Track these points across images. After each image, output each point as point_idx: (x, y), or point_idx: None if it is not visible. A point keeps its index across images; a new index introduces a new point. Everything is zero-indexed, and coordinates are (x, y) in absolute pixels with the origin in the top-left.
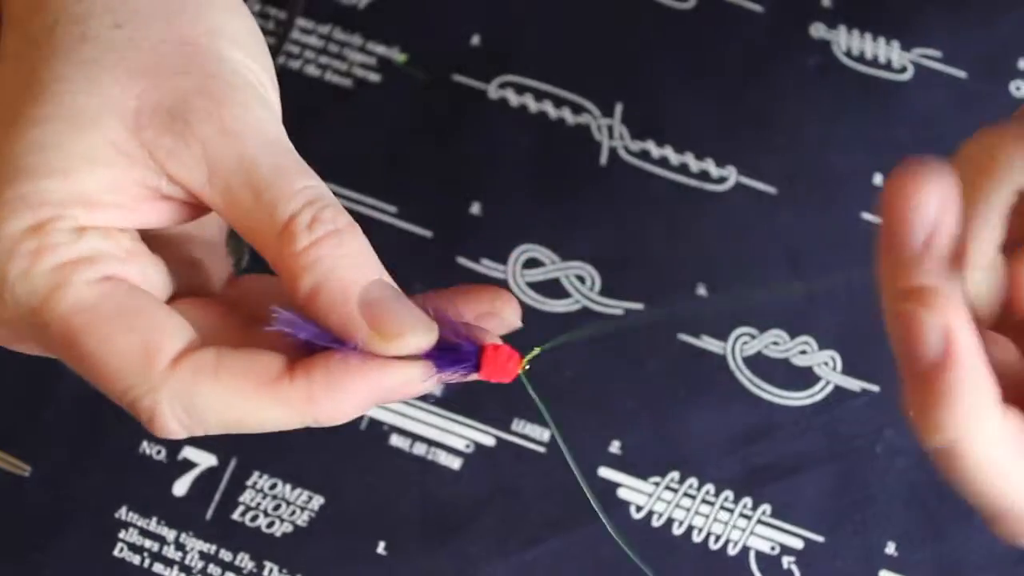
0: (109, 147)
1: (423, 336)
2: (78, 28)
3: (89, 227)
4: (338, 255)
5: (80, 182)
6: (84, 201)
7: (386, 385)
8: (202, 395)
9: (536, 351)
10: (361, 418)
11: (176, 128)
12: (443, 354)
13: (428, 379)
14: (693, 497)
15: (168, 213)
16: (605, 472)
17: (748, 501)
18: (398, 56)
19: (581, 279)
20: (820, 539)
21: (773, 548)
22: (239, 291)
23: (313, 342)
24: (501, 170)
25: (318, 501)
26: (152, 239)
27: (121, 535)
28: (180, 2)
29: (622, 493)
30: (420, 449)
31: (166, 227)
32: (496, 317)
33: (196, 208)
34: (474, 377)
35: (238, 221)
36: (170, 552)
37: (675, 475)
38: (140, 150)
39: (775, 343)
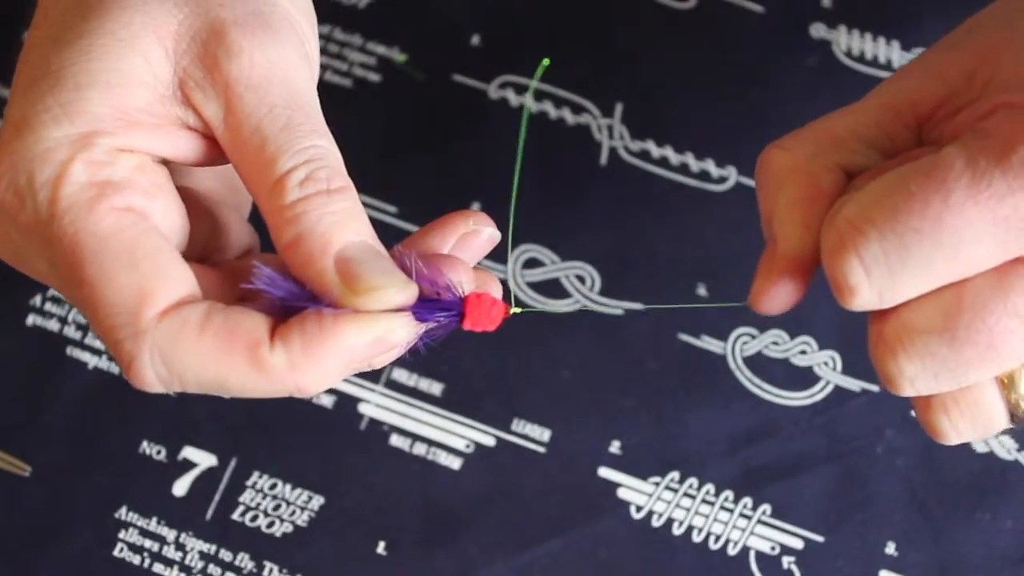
0: (147, 68)
1: (398, 290)
2: None
3: (125, 149)
4: (323, 212)
5: (120, 96)
6: (123, 117)
7: (364, 341)
8: (183, 350)
9: (517, 310)
10: (361, 418)
11: (207, 61)
12: (426, 305)
13: (409, 331)
14: (693, 497)
15: (193, 145)
16: (605, 472)
17: (748, 501)
18: (398, 56)
19: (581, 279)
20: (820, 539)
21: (773, 548)
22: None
23: (289, 301)
24: (501, 170)
25: (318, 501)
26: (184, 193)
27: (121, 535)
28: None
29: (622, 493)
30: (420, 449)
31: (193, 161)
32: (477, 234)
33: (214, 151)
34: (458, 327)
35: (240, 165)
36: (170, 552)
37: (675, 475)
38: (172, 76)
39: (775, 343)
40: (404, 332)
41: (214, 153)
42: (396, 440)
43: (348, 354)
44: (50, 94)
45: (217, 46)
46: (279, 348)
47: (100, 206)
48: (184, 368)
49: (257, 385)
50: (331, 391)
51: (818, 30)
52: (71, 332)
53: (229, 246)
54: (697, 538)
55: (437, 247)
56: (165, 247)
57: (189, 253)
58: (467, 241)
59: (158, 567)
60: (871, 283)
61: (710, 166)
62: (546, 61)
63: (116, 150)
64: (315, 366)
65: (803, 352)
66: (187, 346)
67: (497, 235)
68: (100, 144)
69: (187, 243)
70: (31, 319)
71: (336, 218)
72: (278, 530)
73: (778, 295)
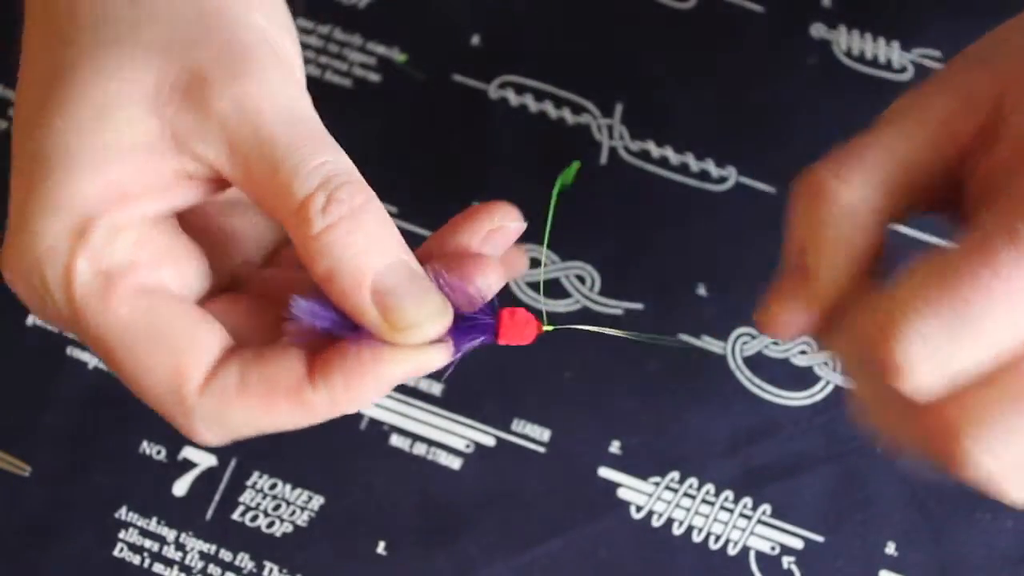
0: (133, 132)
1: (436, 324)
2: (97, 11)
3: (124, 226)
4: (351, 241)
5: (110, 174)
6: (116, 194)
7: (403, 372)
8: (230, 414)
9: (549, 328)
10: (361, 418)
11: (194, 105)
12: (461, 326)
13: (446, 358)
14: (693, 497)
15: (197, 190)
16: (605, 472)
17: (748, 501)
18: (398, 56)
19: (581, 279)
20: (820, 539)
21: (773, 548)
22: (273, 275)
23: (331, 331)
24: (501, 170)
25: (318, 501)
26: (192, 220)
27: (121, 535)
28: None
29: (622, 493)
30: (420, 449)
31: (199, 202)
32: (503, 230)
33: (223, 182)
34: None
35: (258, 198)
36: (170, 552)
37: (675, 475)
38: (163, 130)
39: (775, 343)
40: (441, 359)
41: (219, 189)
42: (396, 440)
43: (387, 384)
44: (42, 184)
45: (200, 89)
46: (321, 387)
47: (112, 297)
48: (237, 425)
49: (305, 421)
50: None
51: (818, 30)
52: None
53: (252, 249)
54: (697, 538)
55: (464, 245)
56: (186, 315)
57: (218, 280)
58: (492, 238)
59: (158, 567)
60: (928, 355)
61: (710, 166)
62: (576, 164)
63: (114, 230)
64: (356, 399)
65: (803, 352)
66: (233, 409)
67: (522, 226)
68: (97, 230)
69: (210, 275)
70: (31, 319)
71: (365, 243)
72: (278, 530)
73: (792, 326)
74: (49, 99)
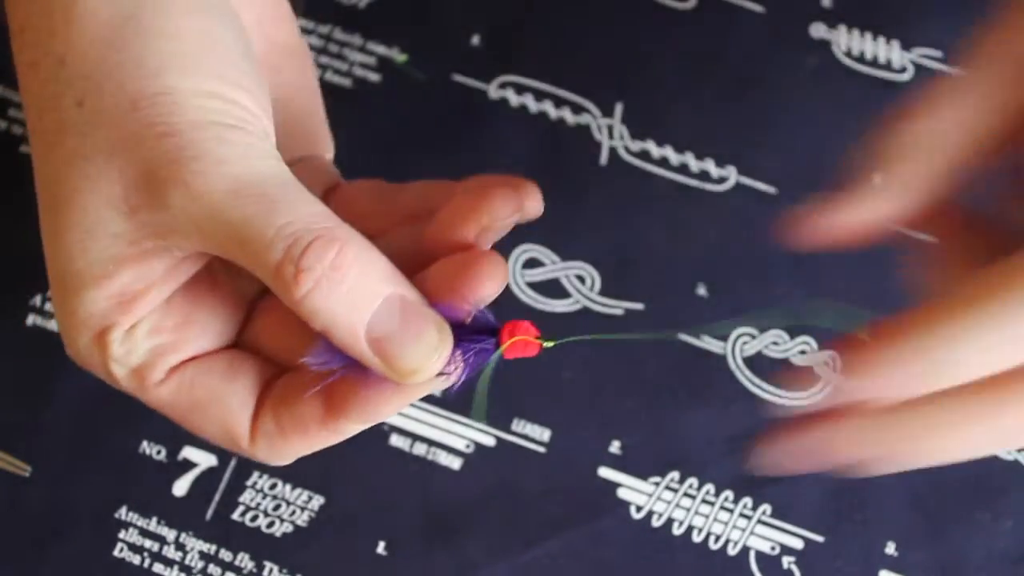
0: (119, 244)
1: (436, 362)
2: (54, 115)
3: (136, 325)
4: (332, 301)
5: (110, 288)
6: (120, 302)
7: (411, 400)
8: (279, 451)
9: (549, 344)
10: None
11: (155, 203)
12: (463, 345)
13: (450, 383)
14: (693, 497)
15: (194, 264)
16: (605, 472)
17: (748, 501)
18: (398, 56)
19: (581, 279)
20: (820, 539)
21: (773, 548)
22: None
23: (349, 369)
24: (501, 170)
25: (318, 501)
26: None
27: (121, 535)
28: (125, 47)
29: (622, 493)
30: (420, 449)
31: (200, 268)
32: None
33: None
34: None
35: (246, 268)
36: (170, 552)
37: (675, 475)
38: (143, 232)
39: (775, 343)
40: (445, 385)
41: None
42: (396, 440)
43: (400, 408)
44: (62, 305)
45: (155, 187)
46: (343, 420)
47: (150, 387)
48: (291, 454)
49: (340, 439)
50: None
51: (818, 30)
52: None
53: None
54: (697, 538)
55: (464, 236)
56: (219, 382)
57: (248, 300)
58: (495, 228)
59: (158, 567)
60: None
61: (710, 166)
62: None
63: (128, 333)
64: (374, 421)
65: (803, 352)
66: (280, 447)
67: (539, 210)
68: (113, 341)
69: (237, 310)
70: (31, 319)
71: (348, 298)
72: (278, 530)
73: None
74: (46, 222)
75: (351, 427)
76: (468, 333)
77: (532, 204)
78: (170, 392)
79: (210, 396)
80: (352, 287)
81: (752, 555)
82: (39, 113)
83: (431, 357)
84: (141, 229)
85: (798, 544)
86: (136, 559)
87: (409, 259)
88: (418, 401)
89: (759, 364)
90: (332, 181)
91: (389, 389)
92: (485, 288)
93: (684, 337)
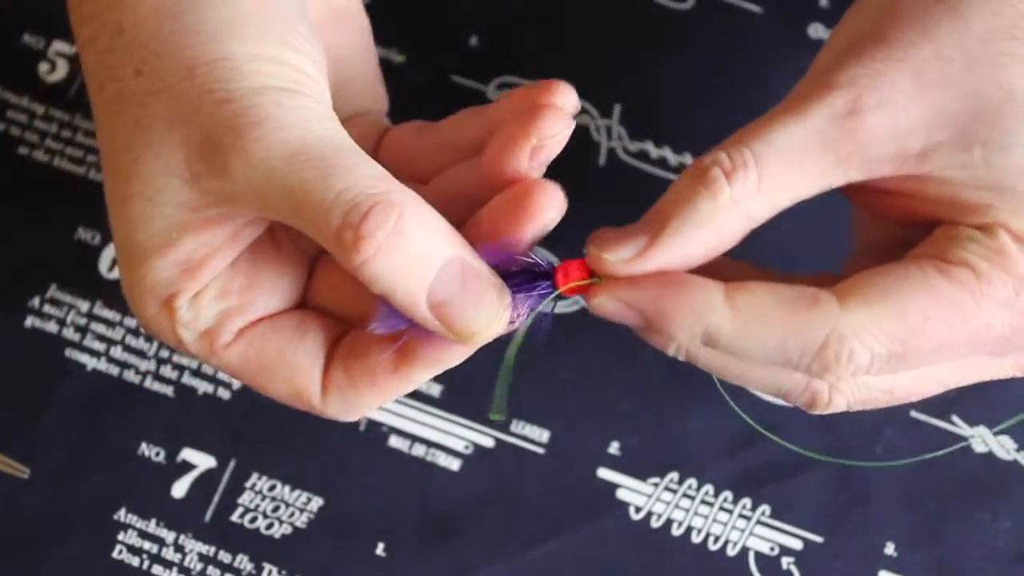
0: (182, 212)
1: (498, 324)
2: (114, 85)
3: (202, 290)
4: (393, 266)
5: (176, 255)
6: (185, 269)
7: (472, 351)
8: (352, 403)
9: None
10: (360, 419)
11: (216, 171)
12: (522, 291)
13: (515, 327)
14: (692, 498)
15: (256, 227)
16: (604, 473)
17: (747, 501)
18: (396, 57)
19: None
20: (820, 539)
21: (772, 548)
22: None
23: (413, 332)
24: None
25: (317, 502)
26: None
27: (120, 537)
28: (181, 14)
29: (621, 494)
30: (419, 450)
31: (263, 231)
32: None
33: None
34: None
35: (306, 233)
36: (169, 554)
37: (674, 476)
38: (203, 199)
39: None
40: (508, 331)
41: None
42: (395, 441)
43: (466, 356)
44: (128, 275)
45: (215, 154)
46: (413, 368)
47: (219, 350)
48: (363, 407)
49: (412, 387)
50: None
51: (816, 30)
52: (69, 334)
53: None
54: (696, 539)
55: (516, 166)
56: (288, 342)
57: (307, 253)
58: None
59: (157, 569)
60: None
61: None
62: (497, 416)
63: (195, 299)
64: (442, 369)
65: None
66: (352, 399)
67: (575, 103)
68: (180, 307)
69: (302, 268)
70: (29, 321)
71: (408, 263)
72: (277, 531)
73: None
74: (111, 193)
75: (421, 376)
76: (523, 278)
77: (568, 100)
78: (239, 354)
79: (279, 356)
80: (412, 252)
81: (751, 555)
82: (100, 85)
83: (492, 320)
84: (203, 197)
85: (797, 544)
86: (135, 561)
87: (464, 200)
88: (417, 402)
89: None
90: (383, 132)
91: (454, 343)
92: (544, 215)
93: None
